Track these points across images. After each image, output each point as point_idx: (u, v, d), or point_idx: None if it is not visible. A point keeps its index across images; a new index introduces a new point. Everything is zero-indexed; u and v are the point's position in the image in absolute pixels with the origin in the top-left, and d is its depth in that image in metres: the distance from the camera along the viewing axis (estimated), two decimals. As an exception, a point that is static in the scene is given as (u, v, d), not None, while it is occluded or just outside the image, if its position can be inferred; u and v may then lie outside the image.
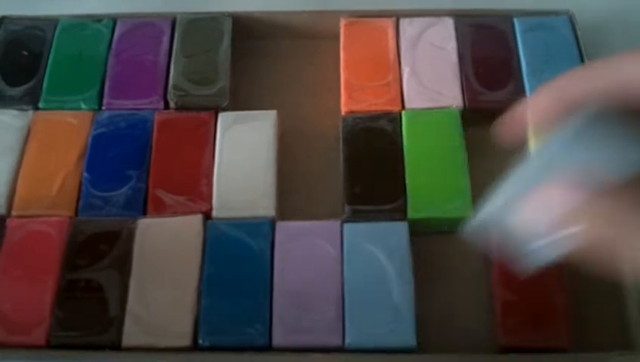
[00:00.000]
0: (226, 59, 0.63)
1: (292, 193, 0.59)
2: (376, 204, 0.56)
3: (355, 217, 0.56)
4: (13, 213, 0.56)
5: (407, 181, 0.57)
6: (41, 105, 0.61)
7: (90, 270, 0.54)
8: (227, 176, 0.57)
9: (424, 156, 0.58)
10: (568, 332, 0.51)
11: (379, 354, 0.51)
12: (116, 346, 0.51)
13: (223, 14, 0.65)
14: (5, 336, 0.52)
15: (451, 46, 0.63)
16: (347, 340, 0.51)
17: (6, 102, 0.61)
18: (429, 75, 0.62)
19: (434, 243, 0.57)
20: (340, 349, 0.51)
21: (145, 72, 0.62)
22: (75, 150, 0.59)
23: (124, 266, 0.54)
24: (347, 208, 0.56)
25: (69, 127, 0.60)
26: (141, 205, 0.57)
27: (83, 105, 0.61)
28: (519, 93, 0.61)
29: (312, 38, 0.67)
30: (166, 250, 0.55)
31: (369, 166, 0.58)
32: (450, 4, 0.66)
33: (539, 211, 0.37)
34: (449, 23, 0.64)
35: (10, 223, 0.56)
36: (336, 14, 0.65)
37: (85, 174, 0.58)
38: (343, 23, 0.65)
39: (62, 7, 0.67)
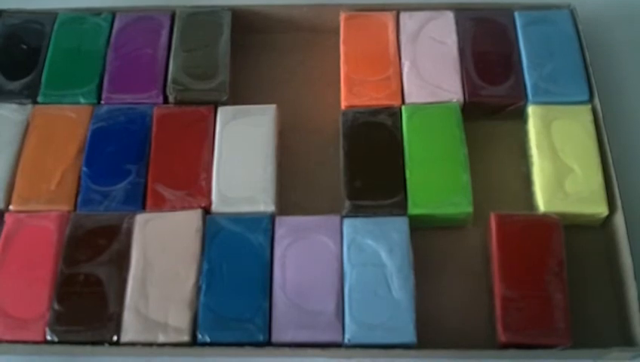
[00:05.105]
0: (226, 54, 0.62)
1: (292, 188, 0.59)
2: (377, 199, 0.56)
3: (355, 212, 0.56)
4: (12, 207, 0.56)
5: (408, 176, 0.56)
6: (40, 99, 0.61)
7: (89, 265, 0.54)
8: (227, 170, 0.57)
9: (424, 151, 0.58)
10: (568, 328, 0.51)
11: (378, 350, 0.51)
12: (115, 341, 0.51)
13: (223, 8, 0.65)
14: (3, 331, 0.52)
15: (452, 40, 0.63)
16: (347, 336, 0.51)
17: (5, 96, 0.61)
18: (429, 70, 0.61)
19: (434, 238, 0.57)
20: (340, 345, 0.51)
21: (144, 66, 0.62)
22: (74, 144, 0.59)
23: (123, 261, 0.54)
24: (347, 203, 0.56)
25: (68, 122, 0.60)
26: (140, 200, 0.57)
27: (82, 100, 0.61)
28: (520, 87, 0.60)
29: (311, 31, 0.67)
30: (165, 245, 0.54)
31: (369, 161, 0.57)
32: (451, -3, 0.66)
33: None
34: (449, 17, 0.64)
35: (9, 218, 0.56)
36: (336, 8, 0.65)
37: (84, 169, 0.57)
38: (343, 16, 0.64)
39: (60, 1, 0.66)
